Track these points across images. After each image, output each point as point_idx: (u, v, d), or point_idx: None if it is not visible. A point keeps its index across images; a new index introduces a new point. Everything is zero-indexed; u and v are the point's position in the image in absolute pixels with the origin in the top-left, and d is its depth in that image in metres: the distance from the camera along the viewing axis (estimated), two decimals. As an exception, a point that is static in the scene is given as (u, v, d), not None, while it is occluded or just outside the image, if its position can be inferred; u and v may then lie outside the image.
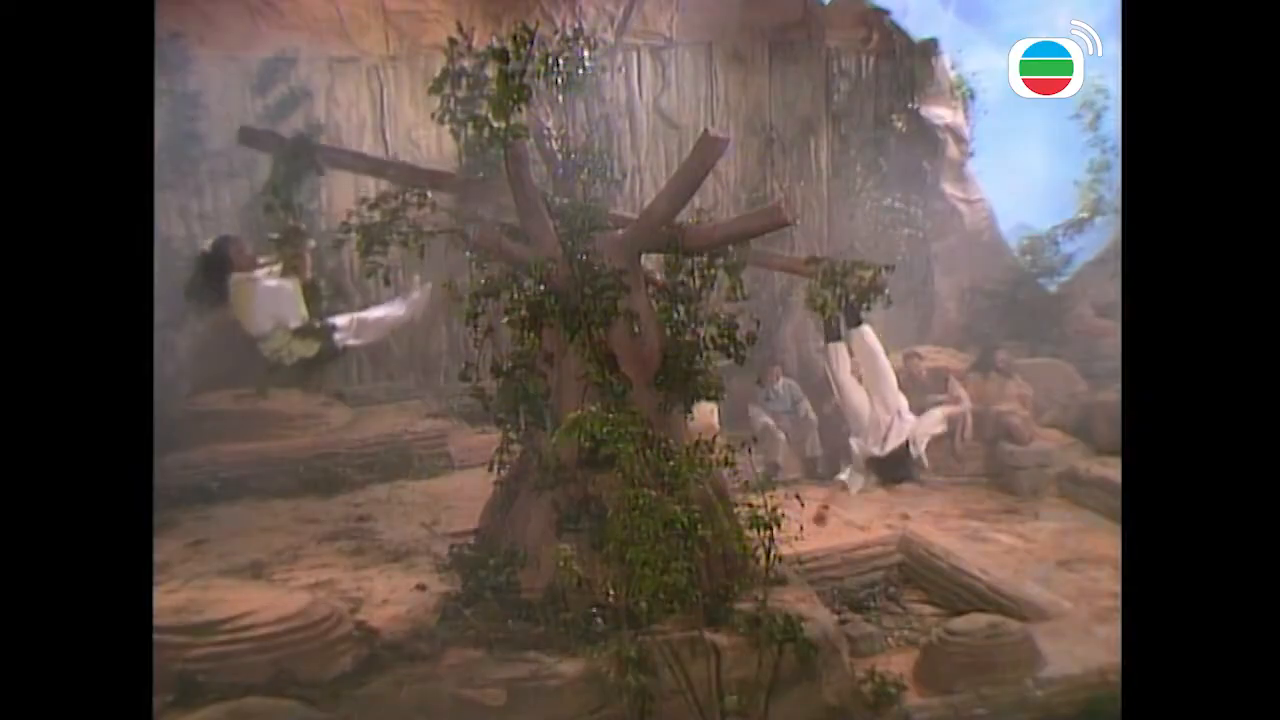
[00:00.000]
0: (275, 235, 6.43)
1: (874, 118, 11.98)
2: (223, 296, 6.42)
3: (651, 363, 5.92)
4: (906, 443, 7.12)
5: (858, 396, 7.04)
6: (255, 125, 9.54)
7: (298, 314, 6.40)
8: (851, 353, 7.05)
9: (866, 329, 6.90)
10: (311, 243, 6.68)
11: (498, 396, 6.03)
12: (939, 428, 8.07)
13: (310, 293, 6.53)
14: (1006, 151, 12.68)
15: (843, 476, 8.54)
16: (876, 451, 7.12)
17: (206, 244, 6.66)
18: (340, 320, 6.68)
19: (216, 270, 6.38)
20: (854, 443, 7.45)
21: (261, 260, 6.46)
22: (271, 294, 6.35)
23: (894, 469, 7.39)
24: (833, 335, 7.05)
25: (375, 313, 7.08)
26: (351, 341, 6.78)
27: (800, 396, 9.77)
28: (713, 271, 6.08)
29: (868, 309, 6.69)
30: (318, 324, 6.47)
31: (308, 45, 9.85)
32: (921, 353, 10.50)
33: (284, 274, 6.42)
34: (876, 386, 7.01)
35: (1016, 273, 12.43)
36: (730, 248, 6.11)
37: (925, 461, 7.66)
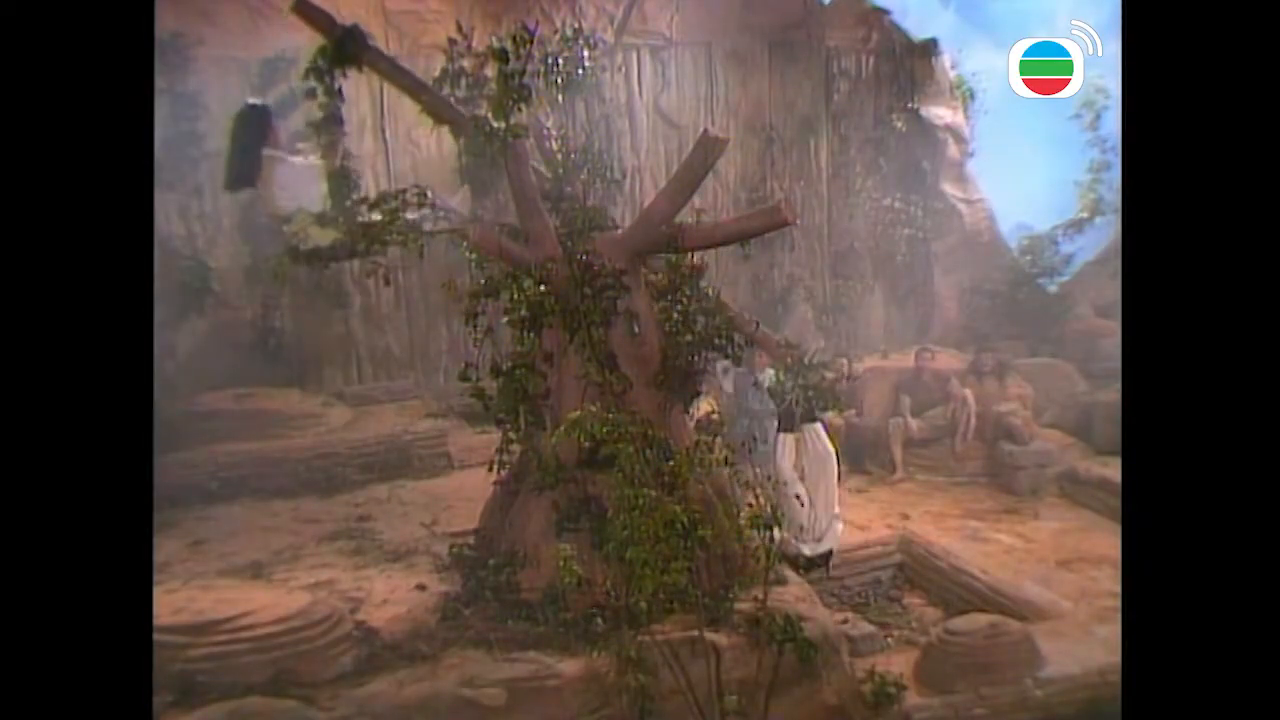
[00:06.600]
0: (318, 116, 6.22)
1: (874, 118, 11.99)
2: (255, 171, 6.27)
3: (651, 363, 5.92)
4: (831, 551, 6.61)
5: (795, 490, 6.43)
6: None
7: (321, 198, 6.26)
8: (800, 448, 6.51)
9: (820, 427, 6.51)
10: (346, 130, 6.48)
11: (498, 396, 6.01)
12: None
13: (336, 181, 6.34)
14: (1006, 151, 12.67)
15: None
16: (807, 551, 6.64)
17: (250, 101, 6.52)
18: None
19: (254, 142, 6.23)
20: (782, 535, 6.35)
21: (299, 145, 6.32)
22: (298, 174, 6.25)
23: (810, 567, 6.99)
24: (786, 426, 6.55)
25: None
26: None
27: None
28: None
29: (823, 410, 6.42)
30: (340, 213, 6.25)
31: (308, 45, 9.83)
32: (932, 349, 10.43)
33: (314, 156, 6.27)
34: (822, 486, 6.61)
35: (1016, 273, 12.42)
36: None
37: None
